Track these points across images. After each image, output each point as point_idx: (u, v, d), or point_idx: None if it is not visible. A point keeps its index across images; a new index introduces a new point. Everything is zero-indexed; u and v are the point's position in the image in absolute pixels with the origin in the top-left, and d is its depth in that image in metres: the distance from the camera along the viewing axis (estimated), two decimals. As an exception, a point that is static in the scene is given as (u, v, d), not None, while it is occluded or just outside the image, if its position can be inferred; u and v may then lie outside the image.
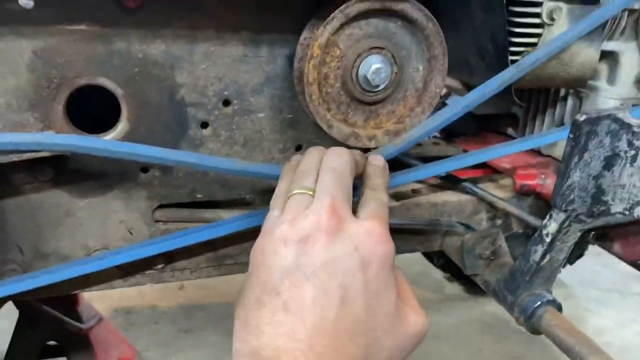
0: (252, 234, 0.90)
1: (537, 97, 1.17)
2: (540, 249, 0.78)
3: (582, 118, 0.65)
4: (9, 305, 0.86)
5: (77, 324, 1.54)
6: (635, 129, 0.64)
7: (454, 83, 1.22)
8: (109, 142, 0.73)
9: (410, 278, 2.37)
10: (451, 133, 1.34)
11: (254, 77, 0.82)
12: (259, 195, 0.91)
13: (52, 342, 1.55)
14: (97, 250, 0.84)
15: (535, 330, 0.83)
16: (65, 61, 0.74)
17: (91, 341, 1.58)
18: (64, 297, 1.53)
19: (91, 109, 0.80)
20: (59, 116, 0.76)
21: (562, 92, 1.11)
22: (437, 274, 2.42)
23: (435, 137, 1.36)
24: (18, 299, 0.90)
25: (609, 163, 0.68)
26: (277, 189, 0.67)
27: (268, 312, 0.51)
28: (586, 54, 0.93)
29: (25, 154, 0.70)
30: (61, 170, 0.79)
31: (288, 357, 0.48)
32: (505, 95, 0.95)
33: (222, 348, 1.91)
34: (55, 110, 0.75)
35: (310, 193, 0.60)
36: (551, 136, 0.97)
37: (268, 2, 0.77)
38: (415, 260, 2.50)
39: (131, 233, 0.85)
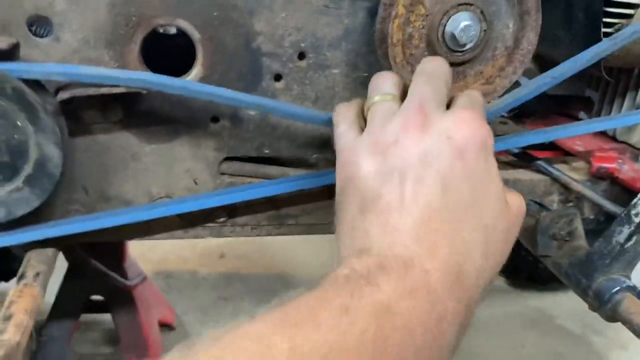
0: (315, 195, 0.88)
1: (617, 78, 1.10)
2: (626, 230, 0.73)
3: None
4: (59, 260, 0.87)
5: (123, 280, 1.56)
6: None
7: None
8: (185, 81, 0.71)
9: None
10: (520, 113, 1.28)
11: (333, 30, 0.79)
12: (327, 156, 0.88)
13: (97, 298, 1.57)
14: (160, 197, 0.83)
15: (610, 317, 0.78)
16: (144, 0, 0.72)
17: (134, 299, 1.60)
18: (111, 251, 1.55)
19: (163, 58, 0.78)
20: (134, 56, 0.74)
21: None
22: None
23: (502, 116, 1.30)
24: (79, 242, 0.90)
25: None
26: (340, 107, 0.65)
27: (373, 216, 0.50)
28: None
29: (100, 89, 0.69)
30: (131, 113, 0.77)
31: (399, 249, 0.47)
32: (580, 76, 0.90)
33: (259, 318, 1.91)
34: (131, 49, 0.74)
35: (391, 98, 0.59)
36: (632, 117, 0.91)
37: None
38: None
39: (196, 183, 0.84)
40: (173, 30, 0.80)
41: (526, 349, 1.92)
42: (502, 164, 1.01)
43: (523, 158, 1.00)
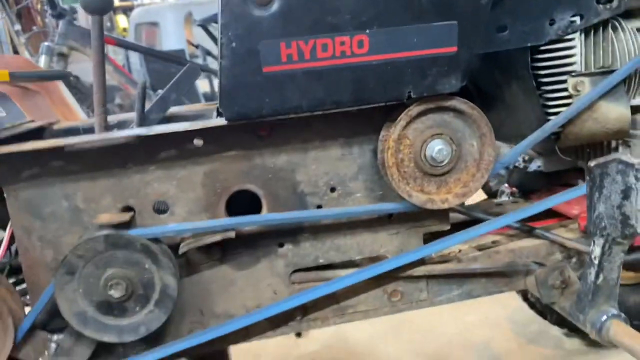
0: (365, 287, 1.17)
1: (593, 150, 1.36)
2: (593, 271, 0.97)
3: (592, 164, 0.87)
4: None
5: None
6: (637, 167, 0.85)
7: (529, 151, 1.45)
8: (266, 215, 1.06)
9: (529, 337, 2.44)
10: (527, 191, 1.54)
11: (350, 169, 1.13)
12: (365, 257, 1.18)
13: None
14: (253, 308, 1.15)
15: (608, 342, 0.99)
16: (224, 177, 1.09)
17: (244, 406, 1.86)
18: (218, 356, 1.84)
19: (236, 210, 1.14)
20: (222, 213, 1.11)
21: (613, 143, 1.29)
22: (555, 331, 2.46)
23: (514, 196, 1.57)
24: (203, 352, 1.21)
25: (626, 195, 0.88)
26: None
27: None
28: (617, 111, 1.14)
29: (205, 239, 1.05)
30: (226, 252, 1.13)
31: None
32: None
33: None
34: (220, 210, 1.10)
35: None
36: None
37: (355, 117, 1.09)
38: (532, 319, 2.55)
39: (275, 293, 1.16)
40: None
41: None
42: (509, 237, 1.27)
43: (524, 229, 1.25)
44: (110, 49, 5.07)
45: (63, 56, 3.61)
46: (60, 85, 1.73)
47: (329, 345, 2.69)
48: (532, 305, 2.38)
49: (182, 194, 1.09)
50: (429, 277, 1.19)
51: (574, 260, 1.23)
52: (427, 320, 2.78)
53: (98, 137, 1.03)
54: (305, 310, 1.18)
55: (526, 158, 1.57)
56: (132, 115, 1.50)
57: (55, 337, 1.07)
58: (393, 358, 2.46)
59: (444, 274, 1.19)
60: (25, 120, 1.37)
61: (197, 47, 4.93)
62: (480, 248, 1.24)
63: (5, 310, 0.99)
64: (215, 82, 4.11)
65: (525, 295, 2.37)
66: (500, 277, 1.22)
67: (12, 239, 1.10)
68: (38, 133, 1.26)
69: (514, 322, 2.65)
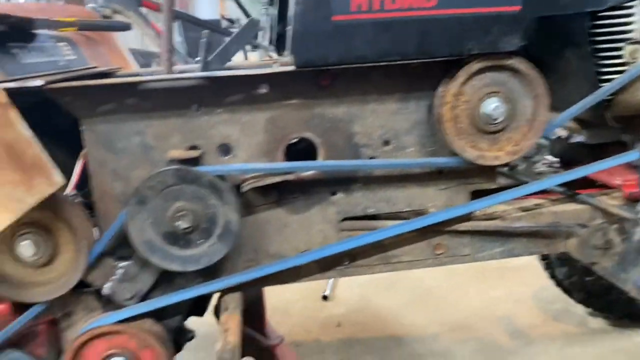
0: (410, 239, 1.23)
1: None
2: (638, 230, 1.01)
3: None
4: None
5: (266, 341, 1.92)
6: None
7: (571, 124, 1.48)
8: (323, 162, 1.12)
9: (553, 314, 2.48)
10: (569, 162, 1.57)
11: (405, 123, 1.17)
12: (413, 210, 1.23)
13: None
14: (304, 251, 1.21)
15: (649, 301, 1.03)
16: (284, 124, 1.15)
17: (277, 357, 1.94)
18: (255, 317, 1.93)
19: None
20: (280, 159, 1.16)
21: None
22: (580, 310, 2.49)
23: (555, 167, 1.60)
24: (255, 286, 1.27)
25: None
26: None
27: None
28: (671, 81, 1.16)
29: (265, 180, 1.11)
30: (282, 195, 1.19)
31: None
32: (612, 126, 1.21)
33: (380, 373, 2.17)
34: (279, 155, 1.16)
35: None
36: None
37: (414, 72, 1.13)
38: (556, 298, 2.59)
39: (326, 238, 1.21)
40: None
41: (636, 382, 2.02)
42: (552, 201, 1.31)
43: (567, 194, 1.29)
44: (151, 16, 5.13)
45: (106, 18, 3.69)
46: (118, 37, 1.80)
47: (355, 309, 2.76)
48: (558, 283, 2.41)
49: (245, 137, 1.14)
50: (473, 233, 1.24)
51: (615, 226, 1.26)
52: (453, 293, 2.84)
53: (171, 77, 1.09)
54: (352, 256, 1.23)
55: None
56: (188, 67, 1.57)
57: (122, 264, 1.14)
58: (417, 325, 2.52)
59: (488, 230, 1.23)
60: (91, 66, 1.44)
61: (232, 21, 4.96)
62: (524, 209, 1.28)
63: (81, 233, 1.06)
64: (250, 55, 4.15)
65: (552, 273, 2.41)
66: (541, 237, 1.26)
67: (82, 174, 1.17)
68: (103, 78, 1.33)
69: (539, 299, 2.69)
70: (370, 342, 2.44)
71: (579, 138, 1.58)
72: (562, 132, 1.61)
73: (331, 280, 3.01)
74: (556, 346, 2.27)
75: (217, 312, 1.25)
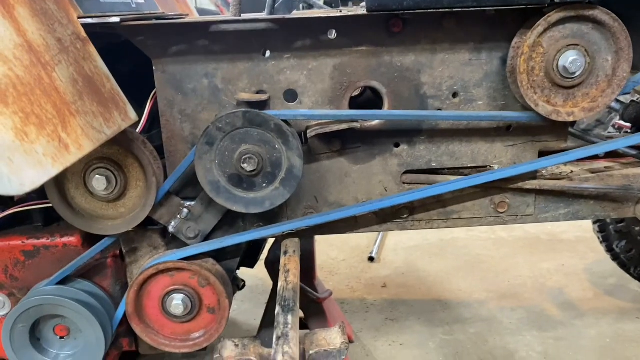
0: (471, 196, 1.21)
1: None
2: None
3: None
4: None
5: (315, 294, 1.96)
6: None
7: None
8: (389, 111, 1.10)
9: (606, 289, 2.42)
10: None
11: (476, 75, 1.14)
12: (477, 165, 1.21)
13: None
14: (363, 201, 1.21)
15: None
16: (351, 71, 1.14)
17: (325, 310, 1.98)
18: (305, 271, 1.96)
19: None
20: (346, 107, 1.15)
21: None
22: (635, 286, 2.42)
23: (625, 131, 1.53)
24: (313, 234, 1.28)
25: None
26: None
27: None
28: None
29: (331, 127, 1.10)
30: (345, 144, 1.18)
31: None
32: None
33: (424, 334, 2.18)
34: (344, 104, 1.15)
35: None
36: None
37: (489, 21, 1.09)
38: (611, 273, 2.52)
39: (386, 190, 1.21)
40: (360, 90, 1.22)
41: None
42: (623, 165, 1.26)
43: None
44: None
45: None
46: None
47: (401, 272, 2.77)
48: (615, 257, 2.34)
49: (311, 84, 1.14)
50: (538, 192, 1.21)
51: (690, 193, 1.21)
52: (502, 262, 2.80)
53: (242, 19, 1.09)
54: (412, 209, 1.23)
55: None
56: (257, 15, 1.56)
57: (187, 204, 1.17)
58: (464, 291, 2.51)
59: (554, 190, 1.20)
60: (160, 11, 1.46)
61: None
62: (593, 171, 1.23)
63: (151, 171, 1.09)
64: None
65: (609, 246, 2.34)
66: (610, 201, 1.22)
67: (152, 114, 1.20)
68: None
69: (592, 273, 2.62)
70: (415, 304, 2.45)
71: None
72: (636, 96, 1.54)
73: (377, 242, 3.02)
74: (608, 320, 2.22)
75: (267, 264, 1.27)
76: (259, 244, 1.51)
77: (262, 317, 1.47)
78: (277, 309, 0.93)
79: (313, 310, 1.96)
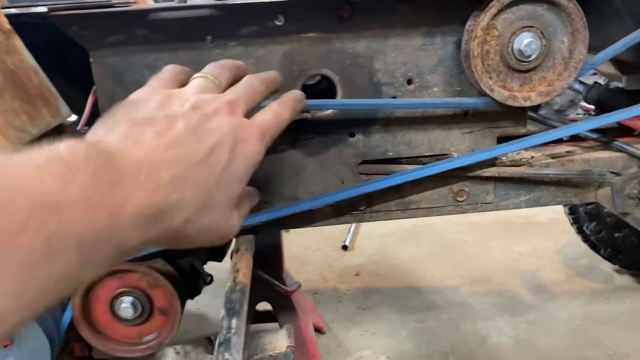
0: (429, 184, 1.17)
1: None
2: (680, 177, 0.93)
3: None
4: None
5: (283, 287, 1.92)
6: None
7: (609, 69, 1.38)
8: (343, 100, 1.06)
9: (578, 270, 2.43)
10: (604, 109, 1.47)
11: (430, 60, 1.10)
12: (435, 154, 1.17)
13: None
14: (319, 194, 1.17)
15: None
16: (302, 59, 1.08)
17: (293, 303, 1.95)
18: (272, 263, 1.92)
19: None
20: (297, 97, 1.10)
21: None
22: (606, 267, 2.43)
23: (589, 113, 1.51)
24: (268, 231, 1.25)
25: None
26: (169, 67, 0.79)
27: (133, 126, 0.54)
28: None
29: (280, 119, 1.05)
30: (297, 136, 1.13)
31: (121, 152, 0.49)
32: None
33: (396, 322, 2.17)
34: (295, 93, 1.10)
35: (213, 79, 0.70)
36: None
37: (442, 5, 1.05)
38: (583, 254, 2.53)
39: (343, 182, 1.17)
40: (317, 79, 1.17)
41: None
42: (584, 148, 1.23)
43: (601, 141, 1.21)
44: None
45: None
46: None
47: (375, 260, 2.75)
48: (585, 239, 2.35)
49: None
50: (498, 179, 1.18)
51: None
52: (475, 247, 2.80)
53: (182, 5, 1.02)
54: (370, 201, 1.19)
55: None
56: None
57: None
58: (437, 277, 2.50)
59: (514, 177, 1.17)
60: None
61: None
62: (553, 156, 1.21)
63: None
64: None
65: (579, 228, 2.34)
66: (571, 186, 1.19)
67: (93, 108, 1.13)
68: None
69: (564, 255, 2.63)
70: (389, 291, 2.43)
71: (617, 84, 1.48)
72: (599, 78, 1.52)
73: (351, 231, 3.00)
74: (579, 302, 2.23)
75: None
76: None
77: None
78: (222, 312, 0.89)
79: (282, 303, 1.93)
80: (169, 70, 0.76)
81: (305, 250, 2.84)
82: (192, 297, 1.28)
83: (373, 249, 2.84)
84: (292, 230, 2.53)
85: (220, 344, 0.79)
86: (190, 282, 1.25)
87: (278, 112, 0.75)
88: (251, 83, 0.75)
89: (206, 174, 0.55)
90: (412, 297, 2.34)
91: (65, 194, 0.39)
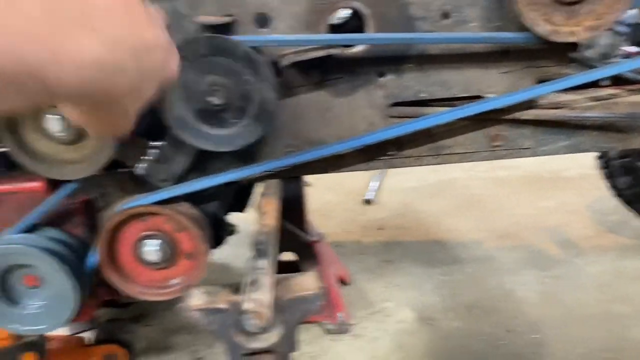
0: (464, 127, 1.11)
1: None
2: None
3: None
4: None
5: (306, 236, 1.90)
6: None
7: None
8: (373, 35, 1.00)
9: (608, 226, 2.36)
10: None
11: (470, -8, 1.02)
12: (470, 95, 1.11)
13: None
14: (347, 137, 1.12)
15: None
16: (329, -9, 1.02)
17: (316, 253, 1.93)
18: (295, 213, 1.90)
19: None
20: (324, 31, 1.04)
21: None
22: (638, 223, 2.36)
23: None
24: (295, 175, 1.20)
25: None
26: None
27: None
28: None
29: (307, 54, 1.00)
30: (324, 76, 1.08)
31: None
32: None
33: (421, 275, 2.14)
34: (322, 29, 1.04)
35: None
36: None
37: None
38: (613, 210, 2.46)
39: (372, 125, 1.11)
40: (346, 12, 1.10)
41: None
42: (629, 91, 1.15)
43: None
44: None
45: None
46: None
47: (398, 214, 2.71)
48: (619, 193, 2.27)
49: (284, 6, 1.03)
50: (537, 123, 1.11)
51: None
52: (502, 202, 2.74)
53: None
54: (400, 145, 1.13)
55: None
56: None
57: (155, 144, 1.08)
58: (461, 231, 2.46)
59: (554, 120, 1.10)
60: None
61: None
62: (596, 99, 1.13)
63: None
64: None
65: (613, 182, 2.26)
66: (615, 131, 1.12)
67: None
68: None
69: (594, 210, 2.56)
70: (412, 245, 2.40)
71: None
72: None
73: (374, 185, 2.96)
74: (609, 257, 2.17)
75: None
76: (247, 187, 1.43)
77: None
78: (251, 253, 0.86)
79: (305, 253, 1.91)
80: None
81: (328, 204, 2.81)
82: (215, 247, 1.26)
83: (396, 203, 2.80)
84: (313, 184, 2.50)
85: (249, 284, 0.76)
86: (213, 231, 1.23)
87: None
88: None
89: None
90: (436, 251, 2.31)
91: None
